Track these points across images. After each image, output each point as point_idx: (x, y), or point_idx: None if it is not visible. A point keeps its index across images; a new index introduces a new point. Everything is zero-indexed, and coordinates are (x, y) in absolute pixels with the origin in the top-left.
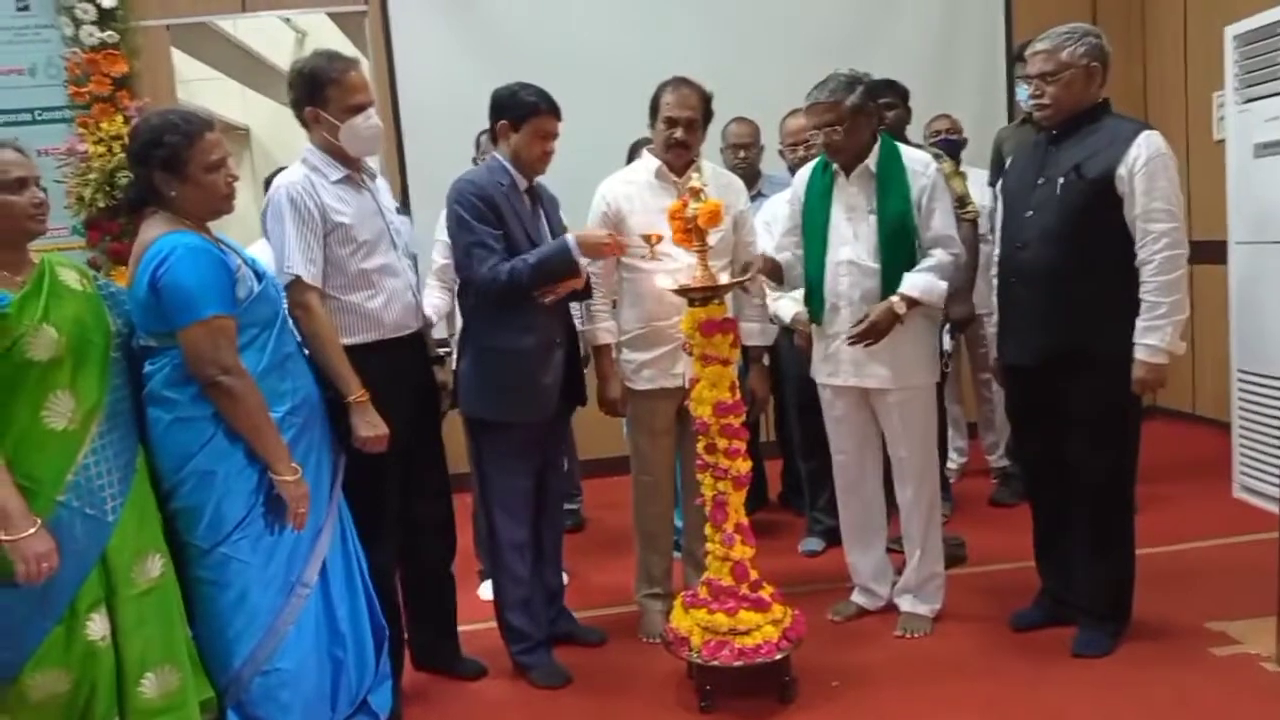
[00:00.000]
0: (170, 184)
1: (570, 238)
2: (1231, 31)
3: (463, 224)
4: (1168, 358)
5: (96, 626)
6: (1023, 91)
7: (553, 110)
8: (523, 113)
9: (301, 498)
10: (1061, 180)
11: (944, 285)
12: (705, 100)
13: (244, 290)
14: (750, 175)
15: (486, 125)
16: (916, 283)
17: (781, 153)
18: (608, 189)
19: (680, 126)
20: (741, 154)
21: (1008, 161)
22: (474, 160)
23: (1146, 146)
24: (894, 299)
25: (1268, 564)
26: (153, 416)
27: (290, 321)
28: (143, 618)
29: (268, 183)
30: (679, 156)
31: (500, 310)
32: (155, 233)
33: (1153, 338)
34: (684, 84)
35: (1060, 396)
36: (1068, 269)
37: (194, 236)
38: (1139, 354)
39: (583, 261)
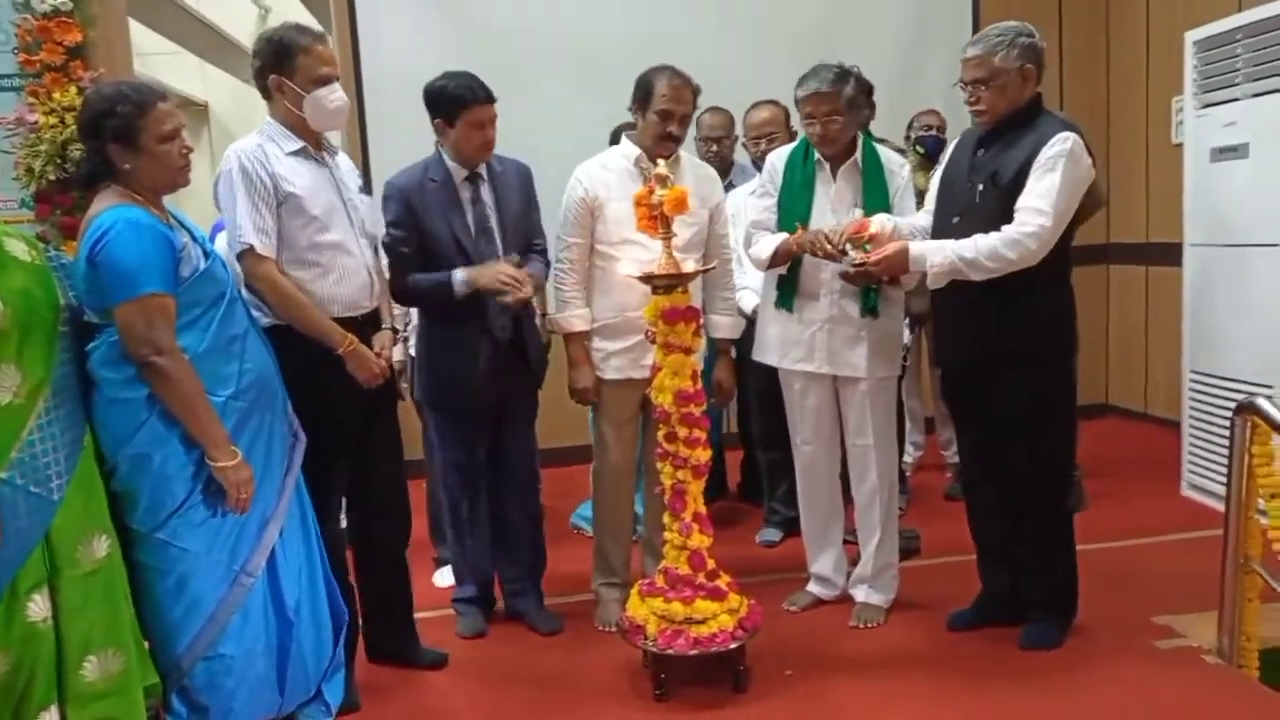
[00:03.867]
0: (124, 156)
1: (459, 274)
2: (1191, 37)
3: (385, 227)
4: (917, 270)
5: (37, 608)
6: None
7: (484, 98)
8: (454, 107)
9: (242, 483)
10: (980, 186)
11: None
12: (697, 94)
13: (188, 268)
14: (724, 167)
15: None
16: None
17: (744, 145)
18: (585, 174)
19: (675, 121)
20: (714, 146)
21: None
22: (437, 144)
23: (1054, 145)
24: (910, 249)
25: (1212, 561)
26: (94, 396)
27: (241, 301)
28: (87, 599)
29: None
30: (667, 149)
31: None
32: (101, 206)
33: (939, 258)
34: (678, 75)
35: (991, 397)
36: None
37: (140, 211)
38: (927, 250)
39: (458, 281)
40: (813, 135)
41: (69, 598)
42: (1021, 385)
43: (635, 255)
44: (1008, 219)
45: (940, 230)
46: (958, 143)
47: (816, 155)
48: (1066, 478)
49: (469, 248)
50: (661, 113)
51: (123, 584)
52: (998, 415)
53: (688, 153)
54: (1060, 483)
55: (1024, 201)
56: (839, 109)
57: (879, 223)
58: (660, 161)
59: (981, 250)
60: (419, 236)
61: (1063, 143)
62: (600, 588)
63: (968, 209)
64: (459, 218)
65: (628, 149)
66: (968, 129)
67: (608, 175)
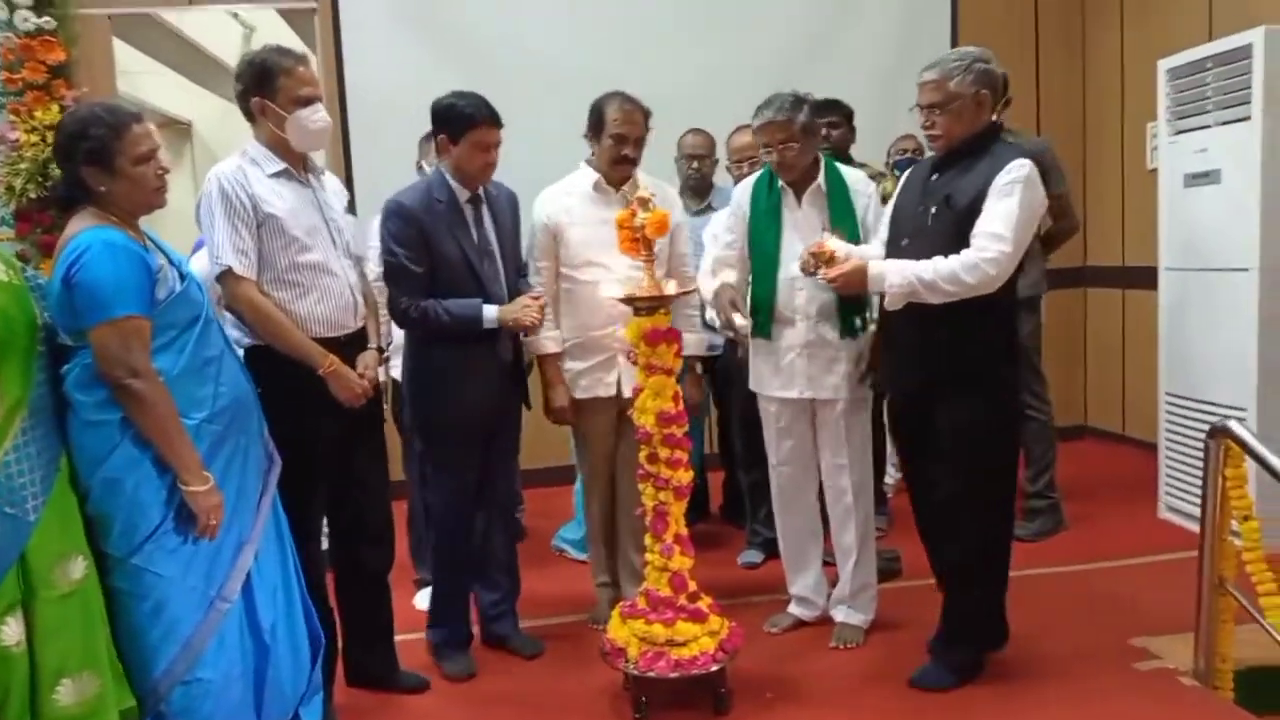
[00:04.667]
0: (98, 178)
1: (489, 310)
2: (1164, 65)
3: (383, 246)
4: (874, 287)
5: (11, 631)
6: None
7: (491, 120)
8: (461, 126)
9: (212, 509)
10: (934, 209)
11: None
12: (648, 117)
13: (164, 290)
14: (703, 187)
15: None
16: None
17: (728, 168)
18: (546, 201)
19: (629, 144)
20: (695, 165)
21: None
22: (417, 164)
23: (1010, 170)
24: (869, 269)
25: (1189, 582)
26: (68, 419)
27: (217, 323)
28: (63, 622)
29: None
30: (624, 172)
31: None
32: (77, 228)
33: (897, 279)
34: (628, 100)
35: (935, 426)
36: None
37: (116, 233)
38: (886, 269)
39: (489, 318)
40: (772, 164)
41: (45, 620)
42: (965, 413)
43: (598, 276)
44: (960, 242)
45: (890, 253)
46: (911, 170)
47: (780, 183)
48: (1006, 508)
49: (480, 269)
50: (615, 137)
51: (99, 606)
52: (941, 442)
53: (660, 171)
54: (998, 512)
55: (982, 227)
56: (794, 136)
57: (836, 243)
58: (641, 185)
59: (940, 273)
60: (429, 258)
61: (1020, 169)
62: (598, 587)
63: (918, 231)
64: (467, 239)
65: (587, 174)
66: (926, 157)
67: (569, 200)
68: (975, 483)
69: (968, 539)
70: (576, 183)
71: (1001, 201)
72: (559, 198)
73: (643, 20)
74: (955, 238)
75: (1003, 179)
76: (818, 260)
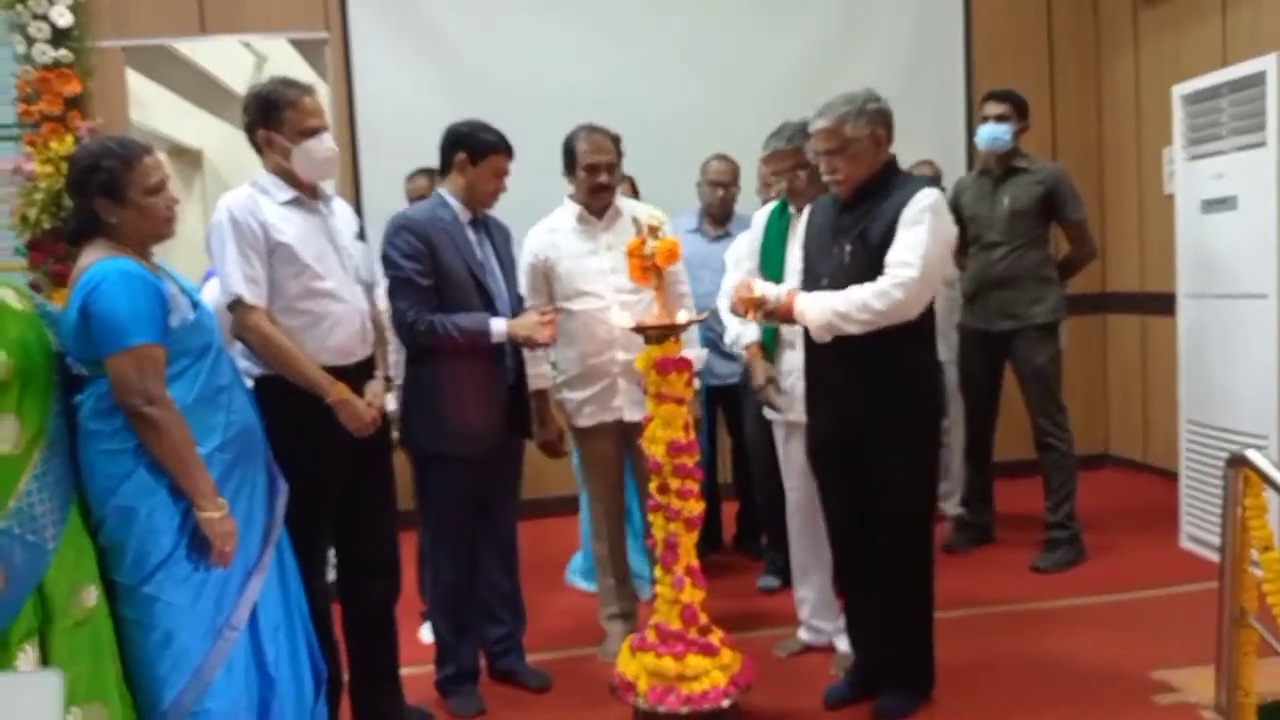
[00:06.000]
0: (110, 210)
1: (497, 323)
2: (1179, 91)
3: (388, 261)
4: (799, 321)
5: (27, 659)
6: (982, 136)
7: (509, 151)
8: (483, 149)
9: (227, 535)
10: (849, 248)
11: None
12: (617, 142)
13: (177, 319)
14: (725, 214)
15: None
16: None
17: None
18: (533, 241)
19: (602, 171)
20: (720, 191)
21: (962, 208)
22: (406, 194)
23: (918, 200)
24: (795, 303)
25: (1210, 613)
26: (81, 447)
27: (226, 353)
28: (75, 652)
29: None
30: (602, 200)
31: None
32: (91, 258)
33: (815, 312)
34: (595, 131)
35: (860, 462)
36: (860, 338)
37: (130, 263)
38: (806, 304)
39: (496, 331)
40: (781, 191)
41: (58, 649)
42: (885, 449)
43: (591, 305)
44: (877, 277)
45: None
46: (812, 209)
47: (791, 209)
48: (926, 542)
49: (488, 284)
50: (588, 168)
51: (109, 636)
52: (862, 478)
53: (667, 199)
54: (919, 545)
55: (891, 256)
56: (802, 163)
57: (761, 285)
58: (652, 214)
59: (853, 302)
60: (435, 271)
61: (926, 198)
62: (606, 620)
63: (836, 270)
64: (472, 255)
65: (570, 208)
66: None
67: (555, 236)
68: (903, 516)
69: (898, 574)
70: (561, 218)
71: (910, 230)
72: (544, 235)
73: (651, 48)
74: (872, 274)
75: (911, 209)
76: (746, 305)
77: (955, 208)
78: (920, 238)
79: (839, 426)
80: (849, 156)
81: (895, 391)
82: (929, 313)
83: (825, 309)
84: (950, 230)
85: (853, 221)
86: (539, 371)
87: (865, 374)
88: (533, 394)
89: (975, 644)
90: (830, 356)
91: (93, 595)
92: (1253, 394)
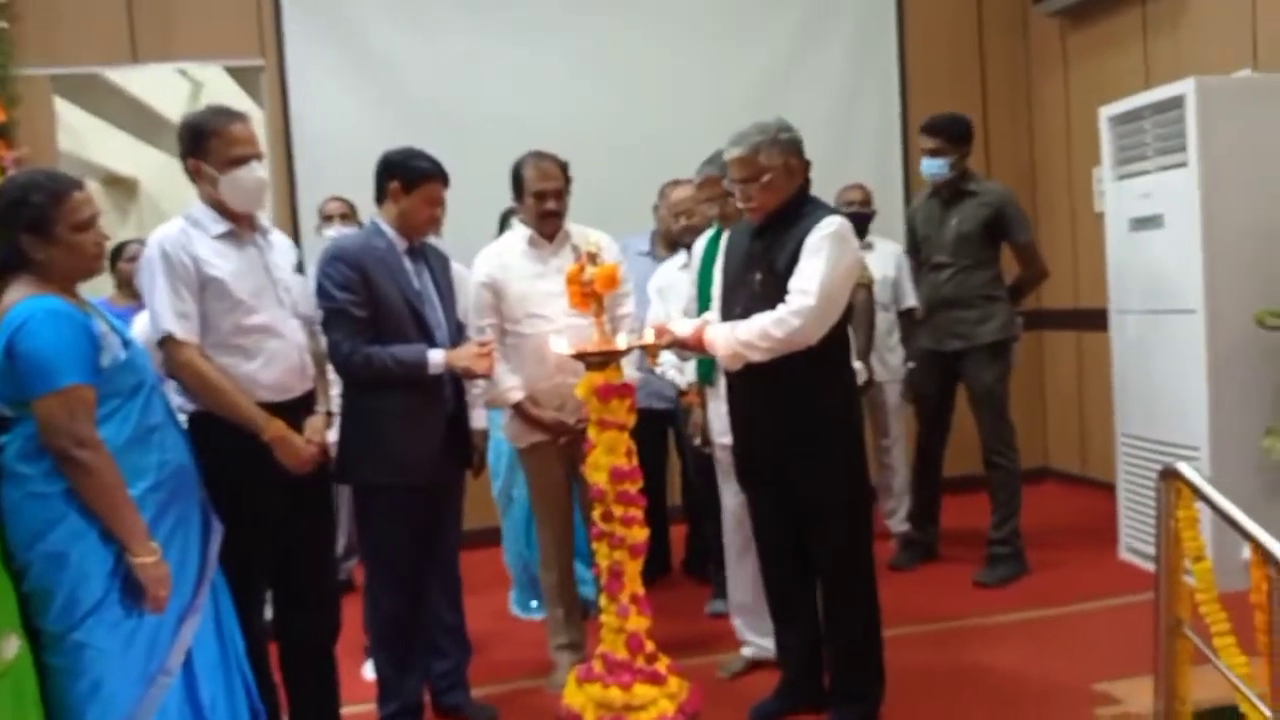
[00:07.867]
0: (37, 247)
1: (435, 354)
2: (1105, 113)
3: (322, 292)
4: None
5: None
6: (924, 168)
7: (444, 178)
8: (416, 177)
9: (160, 580)
10: (759, 277)
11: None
12: (564, 168)
13: (108, 358)
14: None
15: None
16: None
17: (665, 220)
18: (483, 262)
19: (550, 197)
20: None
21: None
22: (316, 229)
23: (820, 229)
24: (705, 334)
25: (1149, 624)
26: (4, 492)
27: (160, 390)
28: None
29: None
30: (553, 225)
31: None
32: (16, 296)
33: (721, 342)
34: (543, 157)
35: (789, 485)
36: (775, 364)
37: (57, 301)
38: (714, 335)
39: (434, 362)
40: (715, 216)
41: None
42: (806, 474)
43: (540, 328)
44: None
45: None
46: (731, 235)
47: (724, 235)
48: (863, 561)
49: (425, 314)
50: (536, 194)
51: (32, 687)
52: (788, 501)
53: (622, 222)
54: (857, 565)
55: (792, 284)
56: (722, 193)
57: (675, 323)
58: (589, 240)
59: (754, 330)
60: (370, 301)
61: (828, 227)
62: (555, 651)
63: (751, 299)
64: (409, 284)
65: (520, 231)
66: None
67: (505, 259)
68: (833, 537)
69: (843, 590)
70: (511, 241)
71: (811, 259)
72: (494, 258)
73: (594, 74)
74: (782, 301)
75: (814, 237)
76: (654, 350)
77: (910, 230)
78: (818, 267)
79: (760, 450)
80: (762, 185)
81: (807, 414)
82: (841, 336)
83: (731, 339)
84: (855, 256)
85: (763, 249)
86: (511, 384)
87: (777, 398)
88: (515, 408)
89: (920, 660)
90: (745, 382)
91: (14, 646)
92: (1184, 407)
